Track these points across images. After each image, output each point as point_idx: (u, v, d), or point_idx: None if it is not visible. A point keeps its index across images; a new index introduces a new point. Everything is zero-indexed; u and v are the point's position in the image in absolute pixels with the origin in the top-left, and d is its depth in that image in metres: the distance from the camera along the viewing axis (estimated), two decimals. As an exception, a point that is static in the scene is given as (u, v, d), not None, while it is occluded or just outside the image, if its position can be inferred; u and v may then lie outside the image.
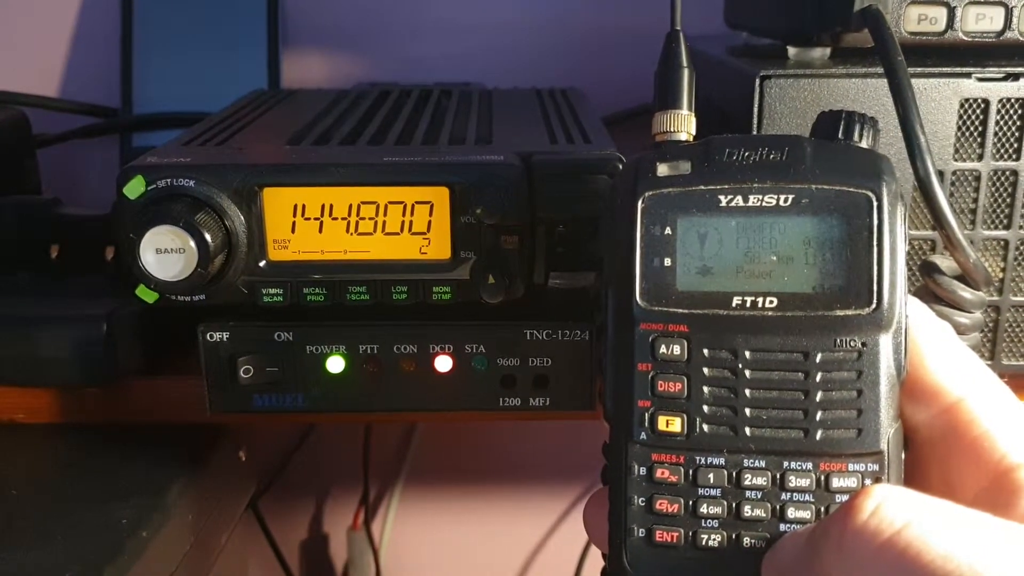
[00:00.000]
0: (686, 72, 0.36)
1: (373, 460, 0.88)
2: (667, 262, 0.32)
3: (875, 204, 0.31)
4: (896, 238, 0.31)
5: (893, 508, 0.27)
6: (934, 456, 0.32)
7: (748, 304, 0.31)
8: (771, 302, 0.31)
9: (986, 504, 0.29)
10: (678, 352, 0.32)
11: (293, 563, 0.92)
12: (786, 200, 0.31)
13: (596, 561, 0.41)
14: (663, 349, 0.32)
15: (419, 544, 0.93)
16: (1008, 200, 0.46)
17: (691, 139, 0.36)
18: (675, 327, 0.32)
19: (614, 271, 0.33)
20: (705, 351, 0.32)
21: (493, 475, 0.91)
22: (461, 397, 0.46)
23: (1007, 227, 0.46)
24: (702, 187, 0.32)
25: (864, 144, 0.33)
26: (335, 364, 0.45)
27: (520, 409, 0.46)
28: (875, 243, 0.31)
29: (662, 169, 0.32)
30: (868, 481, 0.31)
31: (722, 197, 0.32)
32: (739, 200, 0.32)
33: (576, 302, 0.46)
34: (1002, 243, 0.46)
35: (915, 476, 0.32)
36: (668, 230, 0.32)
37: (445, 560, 0.94)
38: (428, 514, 0.92)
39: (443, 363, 0.45)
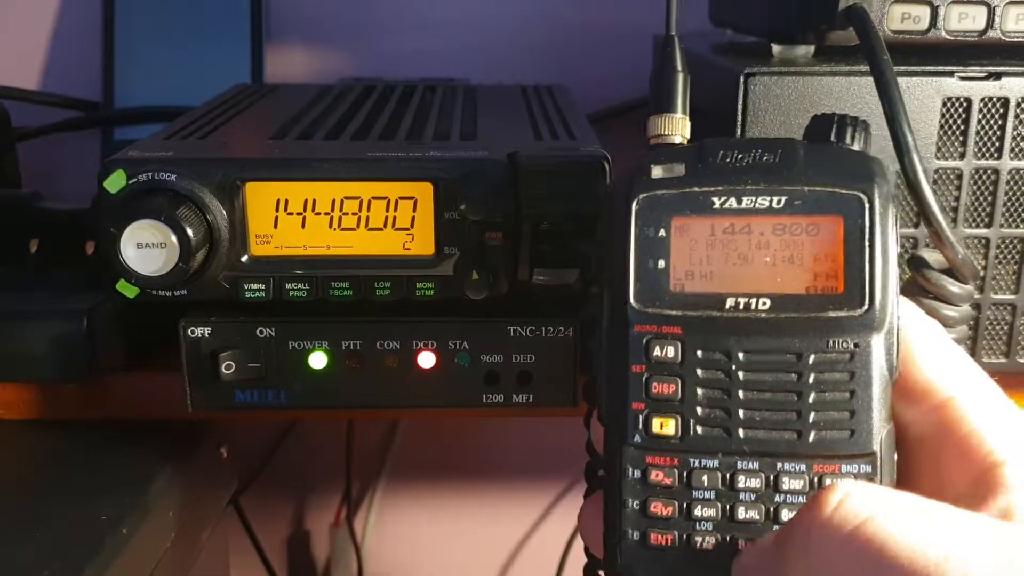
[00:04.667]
0: (681, 76, 0.37)
1: (355, 456, 0.88)
2: (661, 264, 0.32)
3: (867, 206, 0.31)
4: (888, 239, 0.31)
5: (857, 502, 0.27)
6: (924, 454, 0.32)
7: (741, 306, 0.31)
8: (764, 303, 0.31)
9: (969, 500, 0.29)
10: (672, 354, 0.32)
11: (275, 560, 0.91)
12: (779, 202, 0.31)
13: (579, 557, 0.41)
14: (657, 351, 0.32)
15: (401, 540, 0.93)
16: (989, 199, 0.46)
17: (685, 142, 0.36)
18: (669, 329, 0.32)
19: (608, 273, 0.33)
20: (699, 353, 0.31)
21: (476, 471, 0.91)
22: (444, 393, 0.46)
23: (988, 225, 0.46)
24: (696, 189, 0.32)
25: (856, 147, 0.33)
26: (318, 360, 0.45)
27: (503, 405, 0.46)
28: (867, 244, 0.31)
29: (656, 171, 0.32)
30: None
31: (715, 199, 0.32)
32: (732, 202, 0.32)
33: (560, 299, 0.45)
34: (983, 241, 0.47)
35: (906, 474, 0.32)
36: (662, 232, 0.32)
37: (427, 556, 0.93)
38: (410, 510, 0.92)
39: (426, 359, 0.45)
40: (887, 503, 0.27)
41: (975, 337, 0.48)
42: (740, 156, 0.32)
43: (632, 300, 0.32)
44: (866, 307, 0.31)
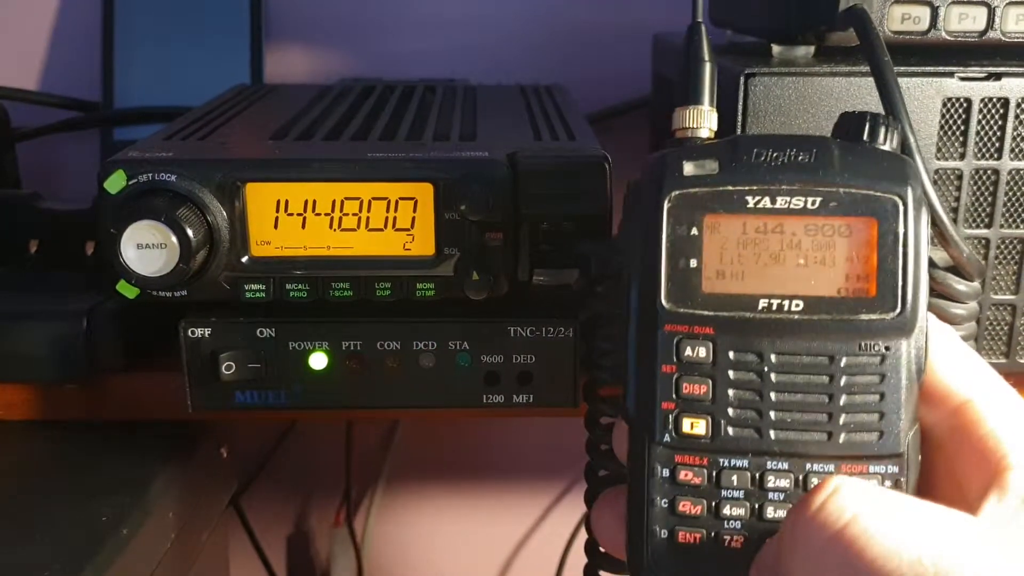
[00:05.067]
0: (708, 66, 0.36)
1: (355, 457, 0.88)
2: (693, 263, 0.32)
3: (902, 208, 0.31)
4: (920, 243, 0.31)
5: (841, 501, 0.27)
6: (943, 457, 0.32)
7: (774, 307, 0.31)
8: (797, 305, 0.31)
9: (981, 503, 0.29)
10: (703, 354, 0.31)
11: (275, 560, 0.91)
12: (814, 203, 0.31)
13: (579, 558, 0.41)
14: (688, 351, 0.32)
15: (401, 541, 0.93)
16: (989, 199, 0.46)
17: (712, 134, 0.36)
18: (700, 329, 0.31)
19: (638, 270, 0.32)
20: (731, 354, 0.31)
21: (475, 472, 0.91)
22: (444, 394, 0.46)
23: (988, 226, 0.46)
24: (730, 187, 0.31)
25: (888, 147, 0.33)
26: (318, 361, 0.45)
27: (503, 406, 0.46)
28: (901, 247, 0.31)
29: (689, 168, 0.32)
30: (888, 483, 0.31)
31: (750, 198, 0.31)
32: (767, 202, 0.31)
33: (560, 299, 0.45)
34: (983, 241, 0.47)
35: (927, 477, 0.32)
36: (694, 230, 0.32)
37: (427, 557, 0.93)
38: (410, 511, 0.92)
39: (426, 360, 0.45)
40: (871, 502, 0.27)
41: (975, 338, 0.48)
42: (775, 155, 0.31)
43: (663, 299, 0.32)
44: (898, 310, 0.31)
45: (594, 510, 0.36)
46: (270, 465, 0.87)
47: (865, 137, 0.33)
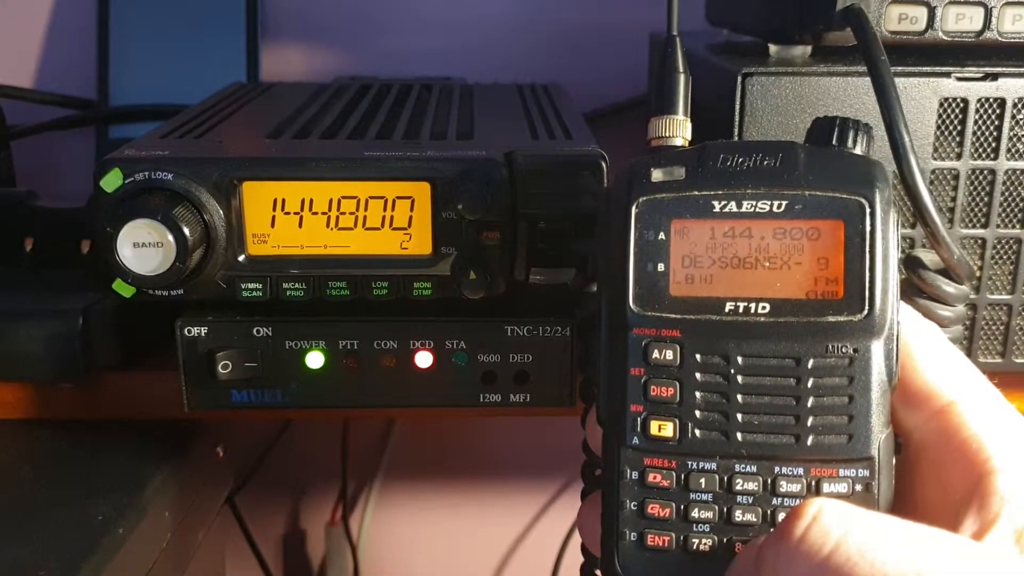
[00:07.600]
0: (682, 77, 0.37)
1: (351, 456, 0.88)
2: (660, 267, 0.32)
3: (868, 211, 0.31)
4: (888, 245, 0.31)
5: (824, 526, 0.27)
6: (926, 459, 0.32)
7: (741, 310, 0.31)
8: (764, 308, 0.31)
9: (964, 508, 0.29)
10: (671, 357, 0.32)
11: (271, 559, 0.91)
12: (779, 206, 0.31)
13: (575, 557, 0.41)
14: (656, 354, 0.32)
15: (397, 540, 0.93)
16: (986, 199, 0.46)
17: (686, 144, 0.36)
18: (668, 332, 0.32)
19: (608, 275, 0.33)
20: (697, 356, 0.32)
21: (472, 471, 0.91)
22: (441, 393, 0.46)
23: (984, 226, 0.46)
24: (696, 192, 0.32)
25: (858, 150, 0.33)
26: (314, 360, 0.45)
27: (500, 405, 0.46)
28: (867, 249, 0.31)
29: (656, 175, 0.32)
30: (859, 487, 0.31)
31: (716, 203, 0.32)
32: (733, 206, 0.32)
33: (557, 298, 0.45)
34: (979, 241, 0.47)
35: (909, 479, 0.32)
36: (662, 235, 0.32)
37: (423, 556, 0.93)
38: (406, 510, 0.92)
39: (423, 359, 0.45)
40: (854, 525, 0.27)
41: (971, 337, 0.48)
42: (741, 160, 0.32)
43: (631, 303, 0.32)
44: (866, 312, 0.31)
45: (581, 512, 0.36)
46: (266, 464, 0.87)
47: (834, 141, 0.33)
